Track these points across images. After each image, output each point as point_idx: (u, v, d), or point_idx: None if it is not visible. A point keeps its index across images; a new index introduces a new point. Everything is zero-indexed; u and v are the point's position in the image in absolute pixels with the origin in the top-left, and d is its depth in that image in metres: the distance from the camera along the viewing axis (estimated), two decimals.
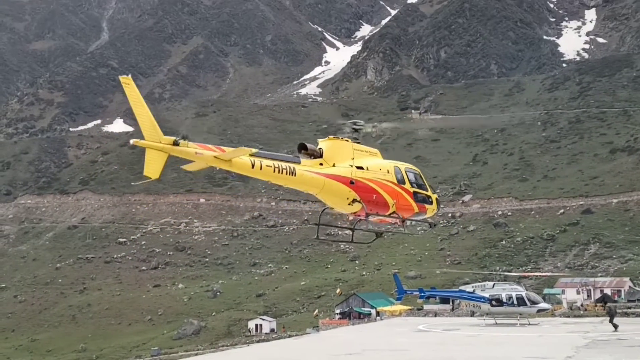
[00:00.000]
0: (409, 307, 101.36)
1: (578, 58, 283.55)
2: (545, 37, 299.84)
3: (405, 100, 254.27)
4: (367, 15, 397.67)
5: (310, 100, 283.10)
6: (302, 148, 21.78)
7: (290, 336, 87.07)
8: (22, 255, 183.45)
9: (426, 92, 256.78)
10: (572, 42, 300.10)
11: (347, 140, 22.67)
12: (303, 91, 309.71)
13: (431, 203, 25.10)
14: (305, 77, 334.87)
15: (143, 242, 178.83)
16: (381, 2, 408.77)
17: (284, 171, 20.24)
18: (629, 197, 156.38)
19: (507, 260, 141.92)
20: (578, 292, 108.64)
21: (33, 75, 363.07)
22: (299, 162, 20.90)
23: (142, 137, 18.87)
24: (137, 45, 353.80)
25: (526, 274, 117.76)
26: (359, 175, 21.96)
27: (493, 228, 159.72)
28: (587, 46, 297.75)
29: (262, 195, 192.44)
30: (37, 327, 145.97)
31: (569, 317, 75.79)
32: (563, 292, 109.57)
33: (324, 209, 23.21)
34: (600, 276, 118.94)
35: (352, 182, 21.65)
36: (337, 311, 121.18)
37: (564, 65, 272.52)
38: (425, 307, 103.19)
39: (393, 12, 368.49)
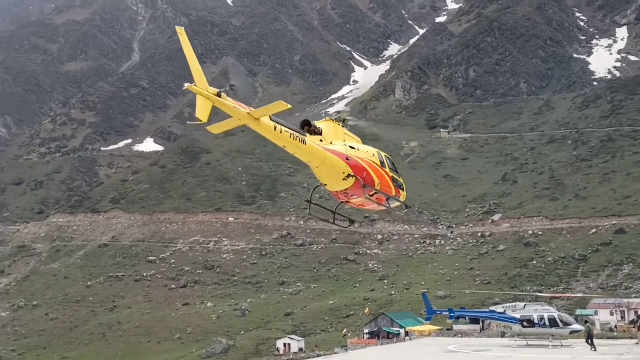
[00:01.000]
0: (438, 327, 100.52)
1: (609, 76, 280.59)
2: (575, 55, 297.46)
3: (433, 118, 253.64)
4: (395, 34, 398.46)
5: None
6: (306, 124, 23.49)
7: (319, 355, 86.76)
8: (53, 273, 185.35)
9: (454, 111, 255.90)
10: (603, 60, 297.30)
11: (339, 124, 24.83)
12: (331, 110, 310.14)
13: (403, 190, 26.92)
14: (334, 96, 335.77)
15: (172, 261, 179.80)
16: (409, 22, 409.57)
17: (297, 139, 22.29)
18: None
19: (538, 280, 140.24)
20: (611, 313, 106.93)
21: (66, 96, 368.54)
22: (305, 135, 22.86)
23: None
24: (167, 65, 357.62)
25: (558, 295, 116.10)
26: (352, 153, 24.07)
27: (523, 247, 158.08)
28: (618, 64, 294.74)
29: (290, 214, 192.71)
30: (68, 345, 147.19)
31: (602, 338, 74.58)
32: (596, 313, 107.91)
33: (316, 186, 25.20)
34: (634, 297, 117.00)
35: (347, 159, 23.71)
36: (366, 330, 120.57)
37: (595, 83, 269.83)
38: (455, 327, 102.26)
39: (421, 31, 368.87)
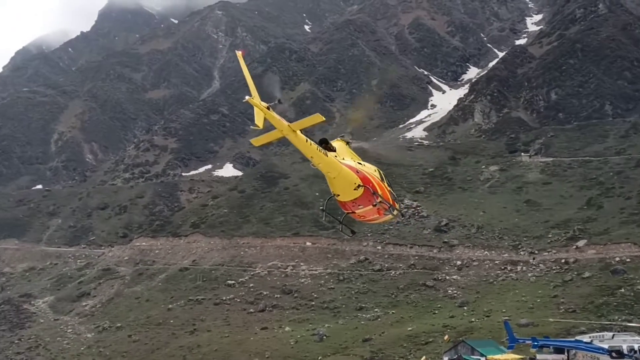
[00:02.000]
0: (521, 357, 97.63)
1: None
2: None
3: (514, 142, 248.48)
4: (474, 58, 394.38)
5: (417, 143, 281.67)
6: (323, 142, 28.06)
7: None
8: (136, 295, 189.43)
9: (536, 135, 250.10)
10: None
11: (348, 144, 29.88)
12: (409, 135, 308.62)
13: (397, 202, 31.56)
14: (411, 120, 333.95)
15: (251, 285, 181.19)
16: (488, 45, 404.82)
17: (321, 152, 27.06)
18: None
19: (626, 310, 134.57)
20: None
21: (149, 123, 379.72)
22: (326, 150, 27.60)
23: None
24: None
25: None
26: (360, 167, 28.71)
27: (610, 275, 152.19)
28: None
29: (368, 239, 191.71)
30: None
31: None
32: None
33: (330, 197, 29.44)
34: None
35: (357, 172, 28.19)
36: (445, 358, 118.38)
37: None
38: (539, 356, 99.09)
39: (500, 54, 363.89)
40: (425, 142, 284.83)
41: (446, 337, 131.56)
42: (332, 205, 30.20)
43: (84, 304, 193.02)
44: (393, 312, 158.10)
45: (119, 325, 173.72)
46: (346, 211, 29.45)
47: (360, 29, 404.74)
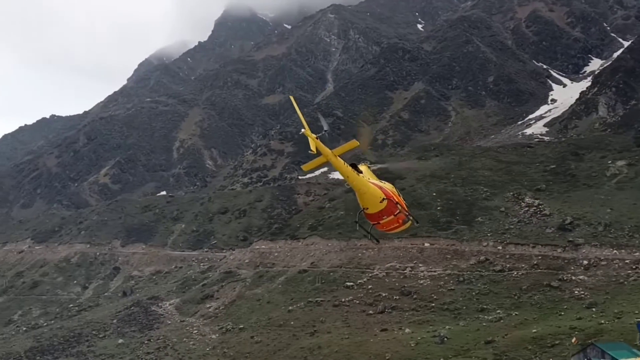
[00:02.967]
0: None
1: None
2: None
3: None
4: (597, 49, 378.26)
5: (537, 140, 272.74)
6: (353, 166, 33.92)
7: None
8: (257, 297, 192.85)
9: None
10: None
11: (370, 167, 35.89)
12: (528, 131, 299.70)
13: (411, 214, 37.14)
14: (531, 116, 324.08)
15: (370, 286, 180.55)
16: (612, 34, 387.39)
17: (355, 173, 33.41)
18: None
19: None
20: None
21: (265, 128, 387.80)
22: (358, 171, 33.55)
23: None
24: (360, 94, 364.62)
25: None
26: (382, 185, 34.82)
27: None
28: None
29: (487, 239, 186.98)
30: None
31: None
32: None
33: (360, 211, 34.89)
34: None
35: (381, 188, 34.29)
36: None
37: None
38: None
39: (626, 44, 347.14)
40: (546, 138, 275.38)
41: (574, 339, 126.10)
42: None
43: (207, 305, 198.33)
44: (516, 314, 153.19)
45: (242, 326, 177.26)
46: (372, 222, 35.00)
47: (475, 25, 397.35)
